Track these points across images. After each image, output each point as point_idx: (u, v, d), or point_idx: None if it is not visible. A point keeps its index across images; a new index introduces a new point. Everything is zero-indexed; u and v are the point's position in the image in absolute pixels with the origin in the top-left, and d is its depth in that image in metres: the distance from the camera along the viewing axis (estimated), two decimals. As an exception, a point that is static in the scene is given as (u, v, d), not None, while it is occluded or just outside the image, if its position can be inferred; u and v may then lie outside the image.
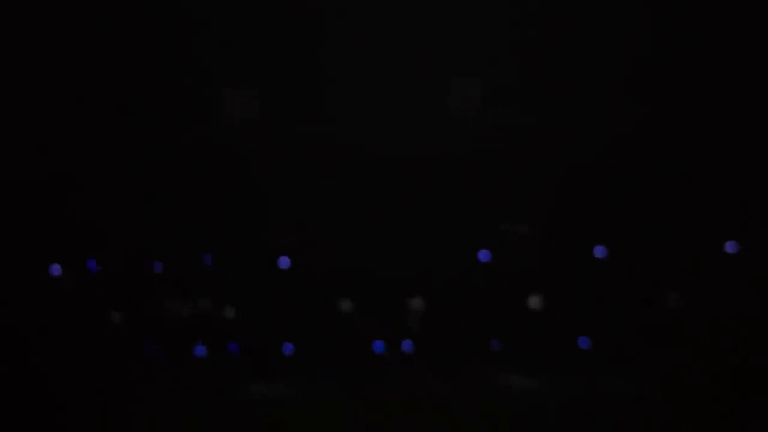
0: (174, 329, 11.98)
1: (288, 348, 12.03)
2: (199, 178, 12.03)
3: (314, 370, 12.03)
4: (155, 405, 11.76)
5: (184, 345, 12.03)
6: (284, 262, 12.05)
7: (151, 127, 12.08)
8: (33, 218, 11.67)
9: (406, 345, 12.10)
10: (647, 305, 12.18)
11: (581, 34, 12.26)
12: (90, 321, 11.82)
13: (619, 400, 11.90)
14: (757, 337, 11.84)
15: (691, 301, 12.16)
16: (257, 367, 12.04)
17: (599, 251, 12.22)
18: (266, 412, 12.02)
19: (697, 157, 12.21)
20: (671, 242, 12.16)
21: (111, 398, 11.62)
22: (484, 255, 12.18)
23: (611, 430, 11.75)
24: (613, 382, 12.01)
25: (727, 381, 11.70)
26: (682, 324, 12.08)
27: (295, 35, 12.07)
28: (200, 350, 12.01)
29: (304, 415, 12.04)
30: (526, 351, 12.14)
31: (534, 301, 12.19)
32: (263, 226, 12.06)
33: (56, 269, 11.94)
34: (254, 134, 12.27)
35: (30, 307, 11.75)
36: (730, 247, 12.19)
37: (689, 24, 12.19)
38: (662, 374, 11.91)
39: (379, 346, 12.04)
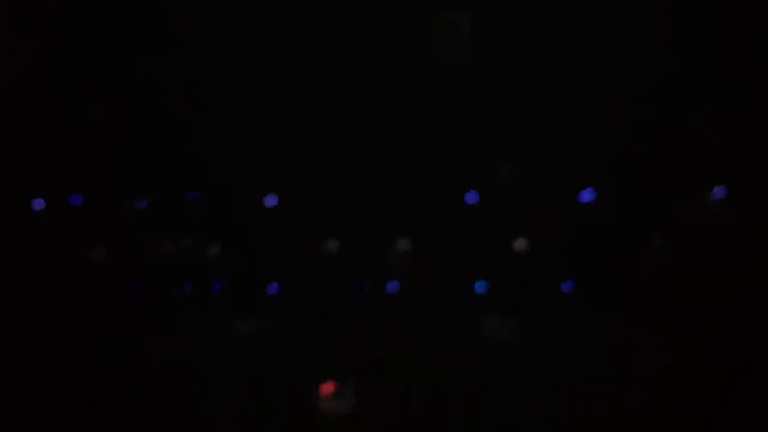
0: (157, 267, 11.91)
1: (273, 287, 12.01)
2: (185, 113, 11.84)
3: (299, 310, 12.04)
4: (137, 343, 11.77)
5: (168, 283, 11.98)
6: (270, 200, 11.95)
7: (137, 59, 11.82)
8: (14, 152, 11.46)
9: (392, 286, 12.11)
10: (632, 249, 12.20)
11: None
12: (72, 257, 11.71)
13: (603, 344, 11.99)
14: (743, 282, 11.90)
15: (677, 245, 12.19)
16: (242, 305, 12.03)
17: (586, 194, 12.18)
18: (250, 350, 12.06)
19: (686, 101, 12.11)
20: (658, 186, 12.13)
21: (92, 336, 11.61)
22: (471, 197, 12.12)
23: (596, 374, 11.87)
24: (596, 326, 12.08)
25: (712, 325, 11.78)
26: (667, 268, 12.12)
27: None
28: (184, 288, 11.96)
29: (288, 354, 12.10)
30: (510, 294, 12.17)
31: (520, 244, 12.18)
32: (249, 162, 11.91)
33: (39, 203, 11.79)
34: (239, 68, 12.05)
35: (10, 241, 11.62)
36: (718, 192, 12.18)
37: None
38: (646, 319, 12.00)
39: (364, 286, 12.05)
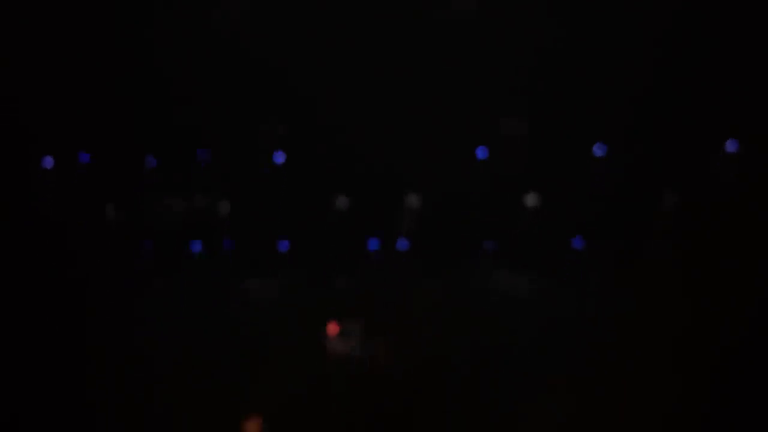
0: (168, 226, 11.93)
1: (283, 245, 12.03)
2: (193, 69, 11.76)
3: (310, 267, 12.07)
4: (149, 302, 11.84)
5: (179, 242, 12.01)
6: (279, 156, 11.91)
7: (144, 17, 11.73)
8: (24, 109, 11.43)
9: (401, 243, 12.10)
10: (644, 204, 12.13)
11: None
12: (83, 216, 11.74)
13: (613, 301, 11.99)
14: (756, 237, 11.82)
15: (689, 200, 12.11)
16: (253, 263, 12.07)
17: (598, 149, 12.09)
18: (261, 308, 12.12)
19: (699, 54, 11.93)
20: (671, 140, 12.01)
21: (105, 295, 11.67)
22: (482, 152, 12.05)
23: (605, 331, 11.88)
24: (606, 282, 12.07)
25: (723, 280, 11.73)
26: (678, 223, 12.06)
27: None
28: (195, 247, 12.00)
29: (299, 312, 12.16)
30: (520, 250, 12.16)
31: (531, 199, 12.13)
32: (258, 119, 11.85)
33: (48, 162, 11.79)
34: (249, 23, 11.94)
35: (21, 200, 11.64)
36: (730, 145, 12.06)
37: None
38: (657, 275, 11.96)
39: (374, 243, 12.05)
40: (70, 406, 11.45)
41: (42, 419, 11.45)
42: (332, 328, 12.02)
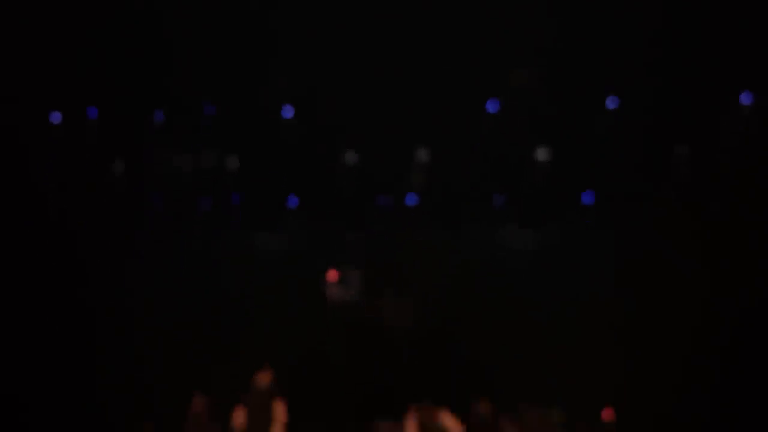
0: (177, 180, 11.90)
1: (293, 201, 12.02)
2: (200, 25, 11.48)
3: (318, 222, 12.09)
4: (159, 256, 11.92)
5: (188, 197, 12.01)
6: (288, 111, 11.77)
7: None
8: (33, 66, 11.23)
9: (410, 198, 12.08)
10: (655, 158, 12.02)
11: None
12: (92, 170, 11.70)
13: (622, 254, 12.03)
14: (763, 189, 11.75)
15: (700, 153, 11.99)
16: (261, 218, 12.09)
17: (611, 102, 11.90)
18: (270, 263, 12.21)
19: (713, 7, 11.57)
20: (684, 94, 11.80)
21: (112, 250, 11.74)
22: (492, 105, 11.88)
23: (612, 283, 11.97)
24: (614, 236, 12.09)
25: (733, 234, 11.73)
26: (689, 177, 11.98)
27: None
28: (204, 202, 12.00)
29: (307, 266, 12.26)
30: (530, 205, 12.14)
31: (542, 153, 12.03)
32: (266, 74, 11.64)
33: (56, 117, 11.69)
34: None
35: (31, 154, 11.59)
36: (745, 98, 11.86)
37: None
38: (667, 228, 11.97)
39: (383, 200, 12.03)
40: (79, 355, 11.68)
41: (52, 360, 11.66)
42: (332, 275, 12.15)
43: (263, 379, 10.35)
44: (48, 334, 11.59)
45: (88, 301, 11.75)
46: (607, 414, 11.07)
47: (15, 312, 11.31)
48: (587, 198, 12.15)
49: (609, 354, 11.66)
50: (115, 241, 11.84)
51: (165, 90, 11.57)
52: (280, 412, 10.19)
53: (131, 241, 11.87)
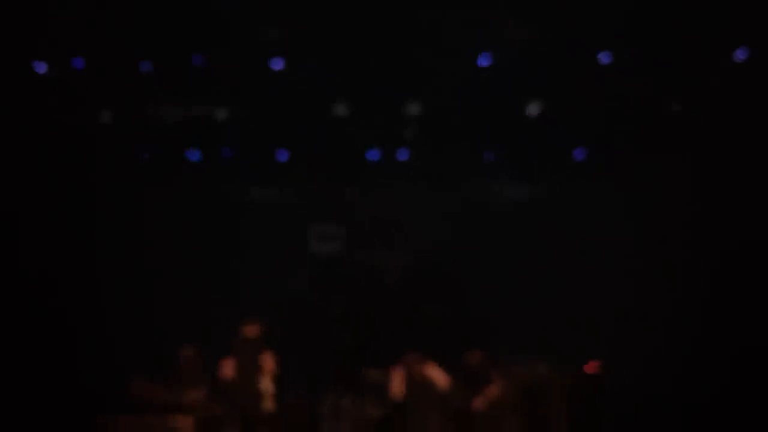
0: (166, 132, 11.79)
1: (283, 155, 11.93)
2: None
3: (309, 175, 12.02)
4: (149, 209, 11.85)
5: (177, 149, 11.91)
6: (277, 63, 11.63)
7: None
8: (15, 15, 11.07)
9: (402, 153, 12.00)
10: (648, 113, 11.93)
11: None
12: (78, 121, 11.58)
13: (612, 210, 11.99)
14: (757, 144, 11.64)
15: (693, 108, 11.90)
16: (251, 171, 12.01)
17: (604, 56, 11.77)
18: (260, 216, 12.15)
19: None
20: (678, 48, 11.68)
21: (100, 204, 11.66)
22: (484, 59, 11.76)
23: (604, 240, 11.93)
24: (607, 192, 12.04)
25: (725, 187, 11.65)
26: (681, 132, 11.89)
27: None
28: (193, 155, 11.91)
29: (299, 219, 12.21)
30: (520, 160, 12.06)
31: (533, 108, 11.92)
32: (256, 25, 11.49)
33: (40, 67, 11.54)
34: None
35: (16, 104, 11.44)
36: (740, 53, 11.74)
37: None
38: (659, 183, 11.91)
39: (374, 154, 11.95)
40: (69, 304, 11.62)
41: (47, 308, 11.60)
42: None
43: (252, 329, 10.32)
44: (44, 281, 11.50)
45: (76, 251, 11.66)
46: (591, 367, 11.06)
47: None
48: (579, 154, 12.07)
49: (598, 306, 11.66)
50: (105, 192, 11.74)
51: (152, 40, 11.40)
52: (268, 362, 10.16)
53: (119, 193, 11.76)
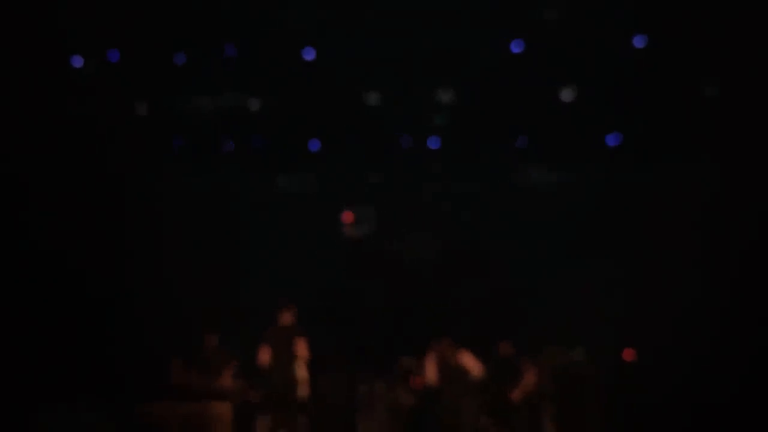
0: (199, 122, 11.88)
1: (314, 144, 11.98)
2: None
3: (340, 164, 12.06)
4: (181, 197, 11.94)
5: (210, 138, 12.00)
6: (309, 52, 11.69)
7: None
8: (52, 11, 11.21)
9: (433, 140, 12.00)
10: (682, 98, 11.82)
11: None
12: (114, 113, 11.70)
13: (645, 196, 11.91)
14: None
15: (728, 93, 11.78)
16: (283, 160, 12.07)
17: (638, 41, 11.69)
18: (292, 205, 12.21)
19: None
20: (712, 32, 11.57)
21: (134, 194, 11.77)
22: (516, 45, 11.73)
23: (637, 227, 11.86)
24: (640, 178, 11.96)
25: (758, 177, 11.54)
26: (717, 118, 11.77)
27: None
28: (227, 144, 11.99)
29: (329, 209, 12.25)
30: (553, 146, 12.02)
31: (567, 94, 11.87)
32: (287, 15, 11.54)
33: (78, 61, 11.68)
34: None
35: (53, 98, 11.59)
36: (775, 35, 11.59)
37: None
38: (696, 169, 11.82)
39: (406, 140, 11.96)
40: (105, 295, 11.76)
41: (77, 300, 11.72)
42: (347, 216, 12.15)
43: (286, 317, 10.40)
44: (78, 271, 11.63)
45: (111, 240, 11.78)
46: (628, 354, 11.00)
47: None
48: (612, 140, 12.00)
49: (630, 295, 11.60)
50: (140, 182, 11.86)
51: (186, 32, 11.50)
52: (303, 349, 10.24)
53: (155, 183, 11.87)
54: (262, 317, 10.80)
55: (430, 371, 10.16)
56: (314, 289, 11.98)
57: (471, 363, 10.10)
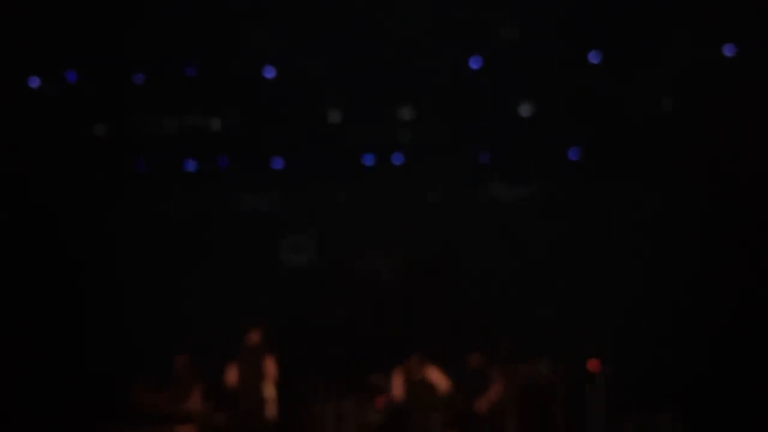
0: (161, 143, 11.84)
1: (277, 162, 11.97)
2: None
3: (304, 182, 12.06)
4: (144, 220, 11.88)
5: (173, 159, 11.95)
6: (269, 71, 11.70)
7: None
8: (9, 31, 11.11)
9: (396, 157, 12.04)
10: (639, 111, 11.99)
11: None
12: (73, 134, 11.62)
13: (607, 208, 12.05)
14: (750, 142, 11.69)
15: (685, 106, 11.96)
16: (247, 180, 12.05)
17: (593, 56, 11.85)
18: (256, 223, 12.18)
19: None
20: (668, 46, 11.76)
21: (95, 215, 11.69)
22: (475, 62, 11.82)
23: (600, 238, 11.98)
24: (604, 192, 12.09)
25: (720, 180, 11.70)
26: (674, 129, 11.94)
27: None
28: (189, 164, 11.95)
29: (293, 226, 12.24)
30: (515, 161, 12.12)
31: (525, 109, 11.98)
32: (248, 34, 11.54)
33: (34, 81, 11.59)
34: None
35: (10, 119, 11.47)
36: (728, 50, 11.82)
37: None
38: (654, 181, 11.96)
39: (368, 159, 11.99)
40: (67, 311, 11.66)
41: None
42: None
43: (254, 336, 10.37)
44: (38, 288, 11.53)
45: (69, 263, 11.69)
46: (593, 365, 11.10)
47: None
48: (573, 154, 12.13)
49: (597, 305, 11.70)
50: (100, 204, 11.78)
51: (144, 52, 11.45)
52: (271, 368, 10.21)
53: (116, 205, 11.80)
54: (227, 337, 10.77)
55: (397, 388, 10.19)
56: (281, 307, 11.96)
57: (438, 378, 10.14)
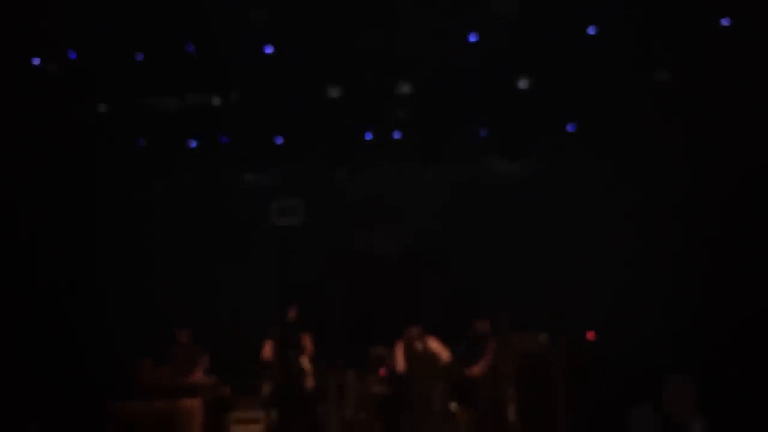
0: (163, 122, 11.92)
1: (278, 139, 12.05)
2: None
3: (304, 159, 12.15)
4: (148, 196, 11.98)
5: (175, 137, 12.04)
6: (268, 48, 11.74)
7: None
8: (10, 10, 11.17)
9: (396, 133, 12.11)
10: (636, 83, 12.05)
11: None
12: (75, 112, 11.70)
13: (605, 182, 12.14)
14: (746, 109, 11.75)
15: (682, 77, 12.02)
16: (248, 157, 12.15)
17: (591, 29, 11.88)
18: (257, 200, 12.29)
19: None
20: (664, 16, 11.79)
21: (100, 195, 11.80)
22: (472, 35, 11.86)
23: (599, 212, 12.08)
24: (601, 166, 12.18)
25: (715, 157, 11.79)
26: (670, 103, 12.01)
27: None
28: (191, 142, 12.04)
29: (294, 205, 12.35)
30: (513, 135, 12.20)
31: (523, 83, 12.04)
32: (246, 10, 11.58)
33: (36, 60, 11.66)
34: None
35: (13, 99, 11.56)
36: (725, 21, 11.85)
37: None
38: (651, 153, 12.05)
39: (367, 135, 12.08)
40: (72, 296, 11.80)
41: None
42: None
43: (291, 313, 10.64)
44: (45, 273, 11.66)
45: (76, 241, 11.81)
46: (591, 335, 11.24)
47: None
48: (571, 126, 12.20)
49: (595, 280, 11.83)
50: (102, 182, 11.88)
51: (145, 30, 11.50)
52: (307, 343, 10.47)
53: (117, 183, 11.90)
54: (233, 313, 10.92)
55: (399, 359, 10.35)
56: (284, 282, 12.09)
57: (438, 349, 10.30)
